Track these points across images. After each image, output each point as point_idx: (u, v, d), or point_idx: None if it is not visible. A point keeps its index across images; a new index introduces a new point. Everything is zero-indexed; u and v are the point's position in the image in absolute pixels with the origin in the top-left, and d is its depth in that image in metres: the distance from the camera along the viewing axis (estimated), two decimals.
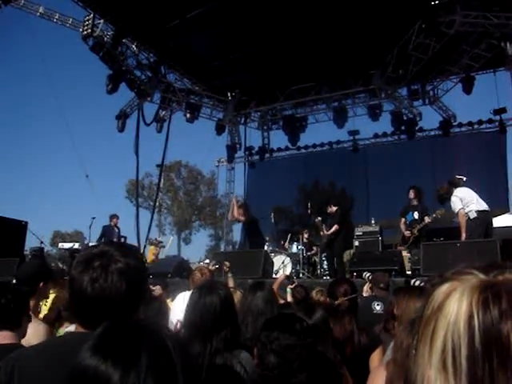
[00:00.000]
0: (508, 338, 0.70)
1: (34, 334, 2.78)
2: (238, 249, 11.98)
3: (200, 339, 2.41)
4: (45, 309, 4.12)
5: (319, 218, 11.36)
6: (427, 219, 9.62)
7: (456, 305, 0.75)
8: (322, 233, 11.21)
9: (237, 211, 11.31)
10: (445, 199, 8.99)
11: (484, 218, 8.61)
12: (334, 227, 10.69)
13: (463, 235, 8.58)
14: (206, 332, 2.42)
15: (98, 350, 0.92)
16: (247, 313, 3.24)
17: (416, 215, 9.94)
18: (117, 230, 13.64)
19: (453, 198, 8.74)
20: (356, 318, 3.47)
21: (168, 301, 6.03)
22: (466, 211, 8.56)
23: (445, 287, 0.79)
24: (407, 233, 9.96)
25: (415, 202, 10.17)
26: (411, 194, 10.19)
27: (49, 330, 3.10)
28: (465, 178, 9.39)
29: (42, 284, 3.42)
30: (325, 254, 11.56)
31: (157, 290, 5.69)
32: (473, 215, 8.54)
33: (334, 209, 11.07)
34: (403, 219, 10.22)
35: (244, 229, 11.27)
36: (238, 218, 11.39)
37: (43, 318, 3.66)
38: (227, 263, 6.47)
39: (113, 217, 13.76)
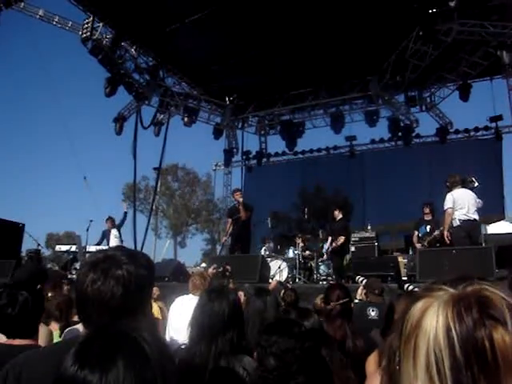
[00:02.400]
0: (484, 343, 0.75)
1: (40, 335, 2.79)
2: (229, 247, 11.71)
3: (206, 342, 2.44)
4: None
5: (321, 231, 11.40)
6: (436, 232, 9.68)
7: (433, 320, 0.80)
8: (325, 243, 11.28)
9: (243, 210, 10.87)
10: (446, 188, 9.00)
11: (466, 227, 8.60)
12: (343, 239, 10.80)
13: (445, 233, 8.64)
14: (212, 335, 2.45)
15: (78, 357, 0.96)
16: (252, 318, 3.26)
17: (428, 229, 10.06)
18: (115, 233, 13.60)
19: (448, 195, 8.75)
20: (351, 322, 3.51)
21: (160, 304, 6.00)
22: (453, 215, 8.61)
23: (419, 305, 0.84)
24: (419, 245, 10.03)
25: (429, 217, 10.33)
26: (426, 210, 10.35)
27: (49, 331, 3.11)
28: (476, 184, 9.41)
29: (39, 286, 3.40)
30: (330, 263, 11.64)
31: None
32: (456, 223, 8.57)
33: (337, 213, 11.24)
34: (416, 232, 10.36)
35: (241, 224, 10.86)
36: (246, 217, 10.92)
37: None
38: (228, 267, 6.47)
39: (107, 220, 13.76)
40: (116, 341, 0.99)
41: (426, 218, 10.37)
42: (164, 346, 1.09)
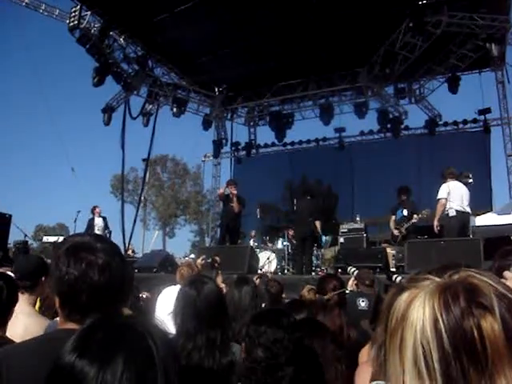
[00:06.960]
0: (473, 334, 0.72)
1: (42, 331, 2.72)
2: (219, 238, 11.66)
3: (192, 334, 2.40)
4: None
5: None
6: (414, 218, 9.68)
7: (420, 312, 0.77)
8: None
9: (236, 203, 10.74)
10: (442, 178, 9.05)
11: (460, 218, 8.74)
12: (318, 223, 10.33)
13: (435, 222, 8.73)
14: (200, 327, 2.42)
15: (77, 348, 0.93)
16: (233, 308, 3.24)
17: (405, 212, 9.99)
18: (101, 220, 13.56)
19: (443, 185, 8.84)
20: (345, 312, 3.51)
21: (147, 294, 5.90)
22: (447, 207, 8.67)
23: (405, 296, 0.81)
24: (396, 231, 10.00)
25: (404, 200, 10.21)
26: (403, 196, 10.21)
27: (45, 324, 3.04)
28: (471, 180, 9.48)
29: (43, 278, 3.33)
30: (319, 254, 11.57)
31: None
32: (452, 213, 8.68)
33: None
34: (393, 217, 10.25)
35: (235, 215, 10.72)
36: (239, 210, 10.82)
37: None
38: (217, 259, 6.46)
39: (94, 208, 13.73)
40: (120, 333, 0.95)
41: (401, 201, 10.22)
42: (170, 343, 1.03)
